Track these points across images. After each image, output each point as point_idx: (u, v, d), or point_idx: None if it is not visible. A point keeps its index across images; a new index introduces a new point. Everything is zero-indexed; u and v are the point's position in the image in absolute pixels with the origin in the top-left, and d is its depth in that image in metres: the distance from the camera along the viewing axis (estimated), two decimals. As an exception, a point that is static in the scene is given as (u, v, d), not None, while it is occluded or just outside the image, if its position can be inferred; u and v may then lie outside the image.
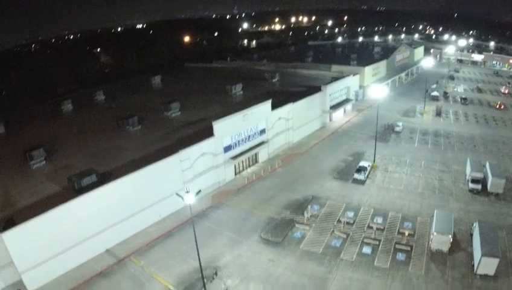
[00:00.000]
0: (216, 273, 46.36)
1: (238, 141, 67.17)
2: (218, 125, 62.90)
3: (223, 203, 61.13)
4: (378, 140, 75.00)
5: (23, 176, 57.47)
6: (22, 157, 61.79)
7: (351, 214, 54.61)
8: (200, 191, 40.93)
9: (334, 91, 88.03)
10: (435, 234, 45.37)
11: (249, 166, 71.25)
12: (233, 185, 65.65)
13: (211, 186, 64.24)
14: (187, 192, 39.45)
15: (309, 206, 56.37)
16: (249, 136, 68.89)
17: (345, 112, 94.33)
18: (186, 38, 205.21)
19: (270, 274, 45.33)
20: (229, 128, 64.63)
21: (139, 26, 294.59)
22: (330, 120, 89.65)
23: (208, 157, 62.79)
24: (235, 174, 68.65)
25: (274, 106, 72.94)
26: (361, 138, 69.97)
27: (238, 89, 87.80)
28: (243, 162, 69.61)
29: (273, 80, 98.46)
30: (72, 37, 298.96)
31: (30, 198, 50.83)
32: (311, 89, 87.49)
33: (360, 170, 63.93)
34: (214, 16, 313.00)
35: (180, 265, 47.97)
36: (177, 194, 38.79)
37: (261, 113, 69.72)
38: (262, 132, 71.22)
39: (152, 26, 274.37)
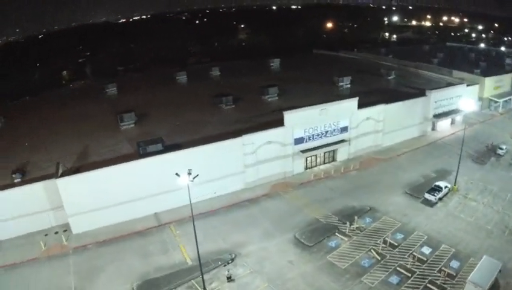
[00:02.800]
0: (232, 260, 47.61)
1: (312, 135, 65.25)
2: (290, 116, 62.41)
3: (280, 194, 61.11)
4: (474, 161, 66.25)
5: (110, 134, 67.34)
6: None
7: (400, 236, 48.68)
8: (197, 175, 41.88)
9: (441, 98, 76.81)
10: (468, 283, 37.47)
11: (324, 163, 68.78)
12: (298, 179, 64.62)
13: (275, 175, 64.56)
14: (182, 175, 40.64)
15: (357, 217, 52.52)
16: (326, 132, 66.17)
17: (453, 123, 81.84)
18: (329, 24, 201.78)
19: (281, 275, 44.48)
20: (302, 120, 63.38)
21: (294, 6, 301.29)
22: (433, 129, 78.85)
23: (275, 146, 62.99)
24: (306, 168, 67.27)
25: (365, 105, 68.53)
26: (458, 155, 60.32)
27: (346, 82, 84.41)
28: (316, 157, 67.56)
29: (388, 77, 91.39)
30: (223, 10, 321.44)
31: (105, 154, 59.66)
32: (419, 91, 79.14)
33: (434, 190, 55.75)
34: (371, 4, 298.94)
35: (208, 243, 50.33)
36: (176, 174, 40.41)
37: (344, 110, 66.19)
38: (344, 129, 67.49)
39: (306, 8, 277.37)
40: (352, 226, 51.39)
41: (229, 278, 44.38)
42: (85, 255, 49.60)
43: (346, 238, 49.44)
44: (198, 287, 42.66)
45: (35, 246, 50.49)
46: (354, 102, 66.58)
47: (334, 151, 68.81)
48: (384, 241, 47.99)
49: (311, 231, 51.42)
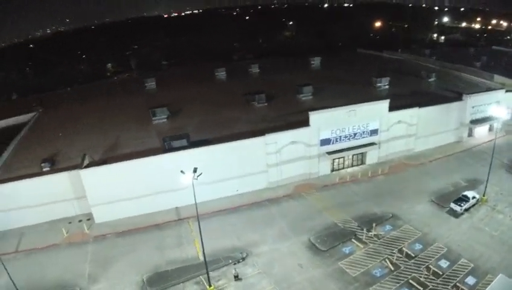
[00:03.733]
0: (243, 259, 48.06)
1: (340, 137, 64.00)
2: (316, 117, 61.74)
3: (302, 195, 60.73)
4: (507, 171, 62.34)
5: (142, 128, 69.92)
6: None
7: (418, 246, 46.63)
8: (200, 174, 42.03)
9: (479, 103, 71.73)
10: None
11: (352, 165, 67.29)
12: (323, 181, 63.76)
13: (299, 176, 64.18)
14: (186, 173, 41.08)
15: (375, 224, 51.12)
16: (355, 134, 64.66)
17: (491, 129, 76.10)
18: (378, 23, 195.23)
19: (288, 278, 44.36)
20: (329, 121, 62.44)
21: (346, 4, 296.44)
22: (469, 135, 74.07)
23: (300, 146, 62.55)
24: (332, 170, 66.18)
25: (399, 107, 66.24)
26: (493, 164, 56.67)
27: (384, 83, 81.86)
28: (344, 159, 66.23)
29: (428, 79, 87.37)
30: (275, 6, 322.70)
31: (133, 147, 62.19)
32: (456, 95, 75.00)
33: (461, 200, 52.71)
34: (423, 4, 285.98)
35: (222, 240, 51.36)
36: (181, 171, 41.22)
37: (373, 112, 64.32)
38: (374, 132, 65.55)
39: (357, 7, 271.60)
40: (370, 233, 50.01)
41: (236, 277, 44.86)
42: (103, 244, 52.18)
43: (362, 245, 48.22)
44: (206, 283, 43.48)
45: (58, 232, 53.87)
46: (384, 104, 64.55)
47: (363, 154, 67.11)
48: (401, 251, 46.25)
49: (326, 235, 50.65)
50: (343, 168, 66.84)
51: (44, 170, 57.75)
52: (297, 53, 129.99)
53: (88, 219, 56.98)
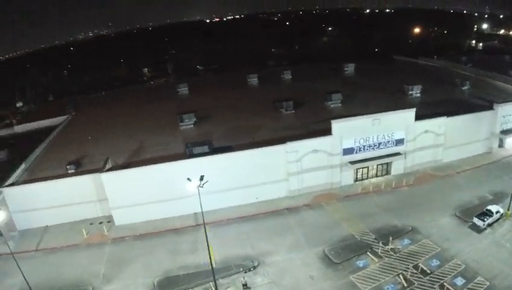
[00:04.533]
0: (254, 267, 48.33)
1: (364, 146, 62.91)
2: (339, 125, 61.11)
3: (322, 205, 60.18)
4: None
5: (168, 133, 72.01)
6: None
7: (435, 262, 44.98)
8: (206, 182, 43.02)
9: (511, 113, 68.47)
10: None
11: (377, 175, 65.84)
12: (345, 191, 62.91)
13: (321, 185, 63.62)
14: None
15: (392, 237, 49.58)
16: (379, 144, 63.27)
17: None
18: (417, 30, 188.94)
19: (297, 289, 43.79)
20: (352, 130, 61.58)
21: (387, 10, 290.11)
22: (500, 146, 70.14)
23: (322, 155, 62.02)
24: (356, 180, 65.11)
25: (427, 116, 64.40)
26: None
27: (416, 91, 79.74)
28: (368, 169, 64.97)
29: (462, 88, 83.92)
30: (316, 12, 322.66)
31: (157, 152, 64.23)
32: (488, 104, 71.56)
33: (484, 214, 50.28)
34: (464, 11, 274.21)
35: (236, 248, 51.99)
36: (188, 179, 42.06)
37: (399, 121, 62.66)
38: (399, 142, 63.85)
39: (397, 13, 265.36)
40: (386, 247, 48.82)
41: (245, 286, 45.19)
42: (121, 246, 54.12)
43: (376, 259, 47.13)
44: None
45: (78, 233, 56.39)
46: (410, 113, 62.74)
47: (388, 164, 65.53)
48: (416, 267, 44.83)
49: (342, 248, 49.95)
50: (367, 178, 65.58)
51: (69, 172, 60.77)
52: (332, 59, 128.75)
53: (108, 221, 59.28)
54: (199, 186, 41.95)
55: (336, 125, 61.16)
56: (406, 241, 49.86)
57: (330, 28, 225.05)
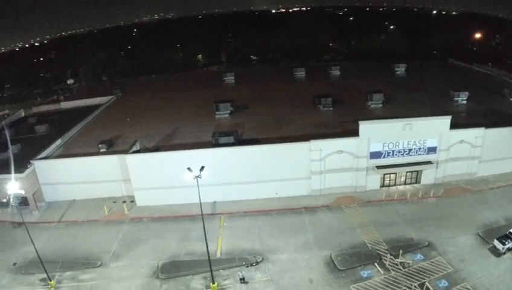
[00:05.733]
0: (257, 263, 48.35)
1: (393, 151, 59.94)
2: (366, 127, 58.74)
3: (341, 208, 58.61)
4: None
5: (203, 121, 73.66)
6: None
7: (444, 283, 42.10)
8: (201, 172, 43.67)
9: None
10: None
11: (405, 183, 62.65)
12: (368, 196, 60.63)
13: (344, 187, 61.68)
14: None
15: (402, 251, 47.22)
16: (410, 150, 59.96)
17: None
18: (479, 35, 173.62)
19: (294, 292, 43.38)
20: (381, 133, 58.93)
21: (454, 13, 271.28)
22: None
23: (347, 156, 60.06)
24: (382, 185, 62.43)
25: (464, 125, 60.24)
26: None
27: (462, 97, 74.68)
28: (396, 175, 62.01)
29: (510, 98, 76.98)
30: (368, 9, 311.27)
31: (186, 139, 66.44)
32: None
33: (506, 237, 45.90)
34: None
35: (245, 241, 52.37)
36: (188, 169, 42.58)
37: (432, 128, 58.95)
38: (432, 150, 60.07)
39: (462, 16, 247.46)
40: (396, 260, 46.52)
41: (242, 280, 45.35)
42: (137, 226, 56.42)
43: (382, 272, 45.06)
44: (213, 280, 44.44)
45: (101, 210, 59.40)
46: (445, 120, 58.70)
47: (418, 172, 62.04)
48: (421, 286, 42.32)
49: (350, 254, 48.41)
50: (394, 184, 62.61)
51: (101, 151, 63.93)
52: (387, 58, 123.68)
53: (131, 201, 61.75)
54: (197, 176, 42.38)
55: (364, 126, 58.79)
56: (419, 256, 47.15)
57: (392, 27, 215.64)
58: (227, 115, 77.26)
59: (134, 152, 60.59)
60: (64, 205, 61.01)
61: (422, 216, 54.93)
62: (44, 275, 45.18)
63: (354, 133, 59.78)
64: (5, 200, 57.74)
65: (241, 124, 71.96)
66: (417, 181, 62.88)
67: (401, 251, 47.21)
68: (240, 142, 62.96)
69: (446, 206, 57.08)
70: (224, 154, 59.63)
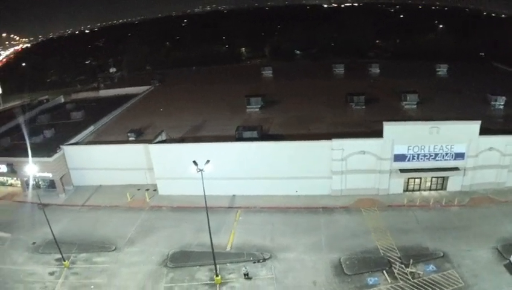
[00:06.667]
0: (264, 260, 47.98)
1: (418, 155, 56.88)
2: (391, 128, 56.13)
3: (360, 211, 56.60)
4: None
5: (233, 114, 73.87)
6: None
7: (452, 299, 39.53)
8: (202, 167, 44.27)
9: None
10: None
11: (430, 189, 59.39)
12: (390, 200, 58.10)
13: (366, 189, 59.39)
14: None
15: (412, 260, 44.80)
16: (436, 155, 56.64)
17: None
18: None
19: (296, 293, 42.65)
20: (406, 135, 56.19)
21: (503, 16, 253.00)
22: None
23: (370, 158, 57.84)
24: (406, 190, 59.61)
25: (494, 132, 56.19)
26: None
27: (499, 102, 69.89)
28: (421, 180, 59.02)
29: None
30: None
31: (213, 131, 66.78)
32: None
33: None
34: None
35: (256, 237, 52.13)
36: (193, 162, 42.79)
37: (460, 133, 55.27)
38: (459, 156, 56.32)
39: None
40: (406, 269, 44.31)
41: (246, 276, 45.21)
42: (155, 215, 57.81)
43: (390, 280, 43.06)
44: (217, 273, 44.78)
45: (124, 196, 61.20)
46: (474, 125, 54.68)
47: (444, 178, 58.59)
48: (428, 299, 40.22)
49: (359, 259, 46.71)
50: (418, 189, 59.58)
51: (129, 139, 65.74)
52: (431, 57, 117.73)
53: (154, 190, 63.13)
54: (200, 170, 42.74)
55: (388, 127, 56.19)
56: (431, 267, 44.54)
57: (441, 26, 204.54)
58: (257, 110, 76.94)
59: (158, 142, 61.90)
60: (90, 190, 63.59)
61: (442, 225, 51.86)
62: (60, 256, 47.53)
63: (381, 133, 57.66)
64: (34, 182, 61.24)
65: (269, 119, 71.38)
66: (443, 188, 59.42)
67: (411, 260, 44.88)
68: (264, 137, 62.47)
69: (469, 216, 53.52)
70: (245, 148, 59.54)
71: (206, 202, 46.21)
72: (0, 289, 44.10)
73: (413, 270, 44.22)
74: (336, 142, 57.19)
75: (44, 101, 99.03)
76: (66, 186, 62.44)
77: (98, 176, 63.70)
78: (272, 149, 59.41)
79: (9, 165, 61.94)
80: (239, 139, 61.43)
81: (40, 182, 63.22)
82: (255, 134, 62.07)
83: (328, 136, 58.48)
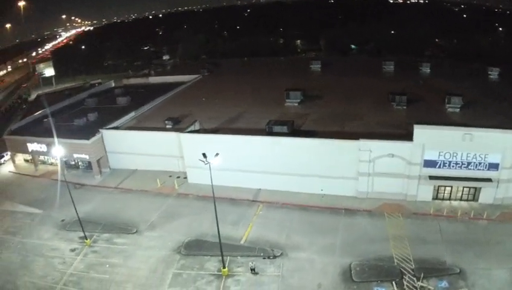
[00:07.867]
0: (274, 257, 47.53)
1: (449, 162, 52.84)
2: (422, 132, 52.53)
3: (383, 215, 53.84)
4: None
5: (272, 107, 73.47)
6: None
7: (457, 320, 36.59)
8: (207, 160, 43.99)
9: None
10: None
11: (461, 199, 54.91)
12: (416, 207, 54.66)
13: (393, 194, 56.26)
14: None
15: (423, 273, 42.21)
16: (468, 163, 52.21)
17: None
18: None
19: (300, 294, 41.93)
20: (437, 140, 52.40)
21: None
22: None
23: (399, 161, 54.71)
24: (435, 198, 55.67)
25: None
26: None
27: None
28: (452, 189, 54.78)
29: None
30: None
31: (246, 124, 67.07)
32: None
33: None
34: None
35: (272, 233, 51.71)
36: (203, 154, 42.86)
37: (495, 142, 50.42)
38: (493, 166, 51.42)
39: None
40: (417, 283, 41.74)
41: (253, 270, 45.14)
42: (180, 202, 59.24)
43: (397, 292, 41.04)
44: (224, 264, 45.20)
45: (154, 182, 63.12)
46: (510, 135, 49.64)
47: (476, 189, 53.89)
48: (432, 317, 37.59)
49: (370, 267, 44.65)
50: (449, 199, 55.40)
51: (166, 126, 67.40)
52: (486, 60, 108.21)
53: (185, 177, 64.41)
54: (206, 163, 42.97)
55: (419, 131, 52.63)
56: (444, 284, 41.42)
57: (501, 29, 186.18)
58: (296, 104, 75.59)
59: (190, 132, 63.06)
60: (125, 173, 66.31)
61: (465, 239, 47.91)
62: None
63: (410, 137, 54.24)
64: (73, 163, 65.04)
65: (306, 114, 69.96)
66: (474, 199, 54.70)
67: (422, 274, 42.24)
68: (294, 132, 61.48)
69: (496, 231, 48.81)
70: (272, 143, 58.97)
71: (213, 193, 46.70)
72: (20, 261, 47.90)
73: (424, 284, 41.59)
74: (363, 143, 54.76)
75: (96, 84, 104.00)
76: (103, 169, 65.75)
77: (134, 161, 66.26)
78: (299, 145, 58.19)
79: (49, 145, 64.37)
80: (269, 133, 60.98)
81: (79, 163, 67.10)
82: (284, 129, 61.21)
83: (360, 136, 56.16)
